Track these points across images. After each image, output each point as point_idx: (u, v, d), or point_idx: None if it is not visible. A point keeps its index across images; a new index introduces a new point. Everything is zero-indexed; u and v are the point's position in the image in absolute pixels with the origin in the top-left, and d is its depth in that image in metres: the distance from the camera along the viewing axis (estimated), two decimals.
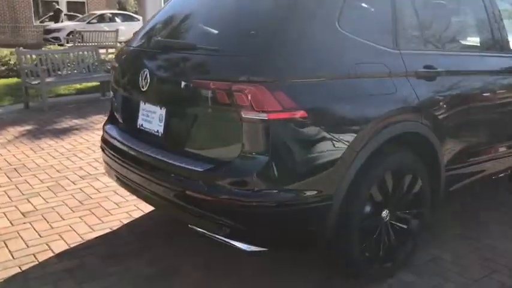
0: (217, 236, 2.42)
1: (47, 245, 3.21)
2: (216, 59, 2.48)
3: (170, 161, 2.55)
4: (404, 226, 2.88)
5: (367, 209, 2.65)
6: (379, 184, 2.66)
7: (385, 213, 2.76)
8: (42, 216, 3.65)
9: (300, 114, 2.30)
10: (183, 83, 2.52)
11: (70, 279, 2.82)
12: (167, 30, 3.00)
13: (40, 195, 4.06)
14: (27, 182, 4.36)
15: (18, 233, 3.38)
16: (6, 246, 3.18)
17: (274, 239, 2.45)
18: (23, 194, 4.09)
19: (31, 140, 5.78)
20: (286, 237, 2.47)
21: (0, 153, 5.25)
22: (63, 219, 3.60)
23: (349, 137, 2.45)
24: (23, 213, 3.70)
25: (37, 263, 3.00)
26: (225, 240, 2.42)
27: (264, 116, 2.25)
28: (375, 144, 2.54)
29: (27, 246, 3.19)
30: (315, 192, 2.40)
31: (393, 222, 2.81)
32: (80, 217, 3.64)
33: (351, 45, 2.55)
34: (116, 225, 3.51)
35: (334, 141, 2.42)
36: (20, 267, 2.94)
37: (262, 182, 2.31)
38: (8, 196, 4.04)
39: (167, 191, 2.57)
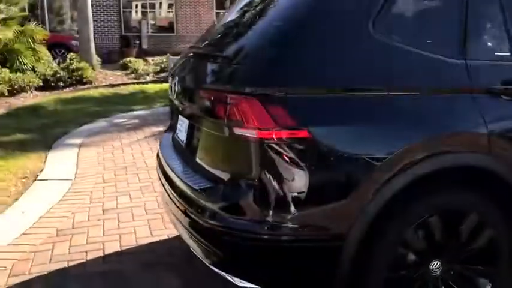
0: (207, 263, 2.17)
1: (102, 244, 3.30)
2: (223, 67, 2.23)
3: (180, 173, 2.39)
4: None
5: (402, 257, 2.11)
6: (420, 227, 2.11)
7: (435, 265, 2.18)
8: (117, 215, 3.78)
9: (301, 134, 1.92)
10: (193, 92, 2.33)
11: (99, 282, 2.83)
12: (206, 38, 2.82)
13: (129, 194, 4.23)
14: (127, 181, 4.60)
15: (88, 229, 3.55)
16: (70, 240, 3.36)
17: (265, 279, 2.09)
18: (116, 192, 4.31)
19: (156, 141, 6.13)
20: (280, 279, 2.09)
21: (123, 151, 5.67)
22: (133, 221, 3.68)
23: (371, 166, 1.97)
24: (103, 210, 3.88)
25: (83, 261, 3.08)
26: (215, 270, 2.15)
27: (252, 134, 1.93)
28: (409, 177, 2.01)
29: (86, 243, 3.32)
30: (317, 229, 1.99)
31: (448, 279, 2.21)
32: (147, 220, 3.68)
33: (387, 53, 2.05)
34: (173, 233, 3.46)
35: (347, 170, 1.97)
36: (67, 263, 3.05)
37: (248, 210, 2.00)
38: (103, 192, 4.29)
39: (176, 205, 2.41)
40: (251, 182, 1.97)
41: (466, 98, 2.10)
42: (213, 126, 2.17)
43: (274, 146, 1.93)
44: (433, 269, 2.18)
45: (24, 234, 3.47)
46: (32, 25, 10.60)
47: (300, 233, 1.99)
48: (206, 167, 2.27)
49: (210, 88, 2.16)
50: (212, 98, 2.11)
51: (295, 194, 1.96)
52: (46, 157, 5.37)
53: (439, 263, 2.19)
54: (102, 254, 3.17)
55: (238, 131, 1.97)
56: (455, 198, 2.13)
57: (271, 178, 1.95)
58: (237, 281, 2.10)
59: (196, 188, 2.19)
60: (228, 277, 2.11)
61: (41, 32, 10.31)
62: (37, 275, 2.92)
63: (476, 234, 2.22)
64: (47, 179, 4.66)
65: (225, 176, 2.09)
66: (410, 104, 2.04)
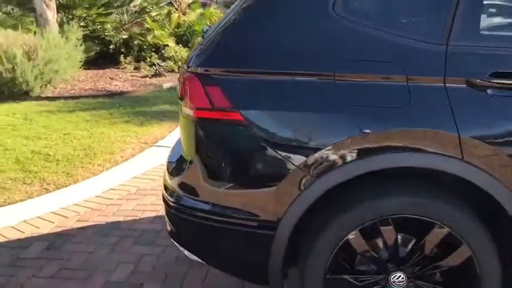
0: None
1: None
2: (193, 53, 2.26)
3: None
4: None
5: (345, 262, 1.95)
6: (365, 233, 1.91)
7: (397, 278, 1.95)
8: None
9: (232, 116, 1.91)
10: None
11: (133, 236, 3.17)
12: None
13: None
14: None
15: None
16: (139, 199, 3.79)
17: (207, 255, 2.14)
18: None
19: None
20: (216, 256, 2.11)
21: None
22: None
23: (304, 156, 1.86)
24: None
25: (136, 218, 3.47)
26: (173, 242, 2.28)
27: (191, 113, 1.99)
28: (350, 173, 1.84)
29: (149, 204, 3.70)
30: (247, 214, 1.96)
31: None
32: None
33: (352, 35, 1.88)
34: None
35: (279, 159, 1.90)
36: (123, 217, 3.48)
37: (184, 188, 2.08)
38: None
39: None
40: (191, 161, 2.05)
41: (438, 90, 1.79)
42: (180, 108, 2.26)
43: (209, 126, 1.96)
44: (394, 281, 1.95)
45: (112, 189, 4.02)
46: (211, 8, 11.64)
47: (230, 215, 1.99)
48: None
49: (181, 71, 2.23)
50: (179, 79, 2.20)
51: (225, 175, 1.97)
52: (175, 128, 5.98)
53: (402, 276, 1.95)
54: (155, 215, 3.51)
55: (185, 110, 2.04)
56: (413, 205, 1.85)
57: (205, 158, 2.00)
58: (187, 253, 2.20)
59: (167, 164, 2.33)
60: (180, 248, 2.22)
61: (217, 15, 11.25)
62: (95, 223, 3.40)
63: (445, 251, 1.91)
64: (162, 146, 5.23)
65: (179, 155, 2.19)
66: (360, 93, 1.84)
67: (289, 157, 1.88)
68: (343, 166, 1.83)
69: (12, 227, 3.36)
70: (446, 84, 1.79)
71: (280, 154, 1.89)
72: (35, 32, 7.78)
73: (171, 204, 2.14)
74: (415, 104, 1.80)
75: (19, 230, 3.32)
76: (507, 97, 1.79)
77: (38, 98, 7.15)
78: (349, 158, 1.83)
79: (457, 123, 1.76)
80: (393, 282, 1.96)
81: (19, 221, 3.44)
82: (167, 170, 2.28)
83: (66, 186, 4.05)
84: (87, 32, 9.31)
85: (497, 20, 1.98)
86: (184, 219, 2.10)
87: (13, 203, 3.70)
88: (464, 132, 1.77)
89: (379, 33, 1.85)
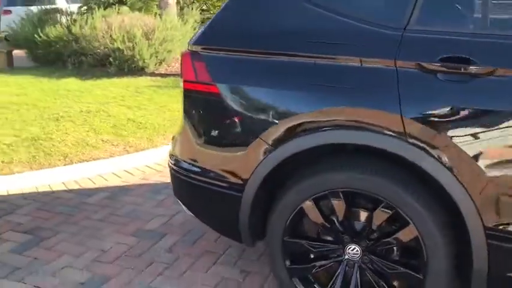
0: None
1: None
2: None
3: None
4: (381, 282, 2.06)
5: (301, 227, 2.13)
6: (319, 203, 2.06)
7: (352, 250, 2.09)
8: None
9: (209, 88, 2.19)
10: None
11: None
12: None
13: None
14: None
15: None
16: None
17: (194, 210, 2.44)
18: None
19: None
20: (201, 211, 2.41)
21: None
22: None
23: (264, 129, 2.07)
24: None
25: None
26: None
27: (181, 85, 2.30)
28: (301, 146, 2.01)
29: None
30: (220, 175, 2.23)
31: (369, 267, 2.07)
32: None
33: (311, 19, 2.03)
34: None
35: (244, 128, 2.13)
36: None
37: (177, 151, 2.41)
38: None
39: None
40: (182, 128, 2.36)
41: (387, 72, 1.87)
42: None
43: (193, 96, 2.26)
44: (349, 253, 2.09)
45: None
46: None
47: (206, 175, 2.27)
48: None
49: None
50: None
51: (202, 139, 2.25)
52: None
53: (357, 249, 2.07)
54: None
55: (180, 83, 2.35)
56: (359, 179, 1.95)
57: (190, 125, 2.30)
58: (184, 208, 2.53)
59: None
60: (181, 205, 2.55)
61: None
62: (153, 182, 3.91)
63: (392, 228, 1.99)
64: None
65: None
66: (318, 72, 1.98)
67: (254, 128, 2.09)
68: (296, 139, 2.00)
69: (88, 178, 4.00)
70: (398, 67, 1.86)
71: (246, 125, 2.12)
72: (155, 14, 8.63)
73: (169, 165, 2.48)
74: (365, 84, 1.89)
75: (92, 181, 3.94)
76: (454, 82, 1.80)
77: (152, 74, 7.99)
78: (302, 132, 1.99)
79: (402, 105, 1.83)
80: (349, 254, 2.09)
81: (95, 174, 4.07)
82: (172, 137, 2.62)
83: (144, 150, 4.62)
84: (208, 15, 10.01)
85: (449, 8, 1.95)
86: (177, 178, 2.43)
87: (96, 159, 4.35)
88: (408, 113, 1.83)
89: (342, 19, 1.96)
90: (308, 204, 2.06)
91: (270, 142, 2.05)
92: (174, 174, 2.44)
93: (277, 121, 2.03)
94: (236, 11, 2.18)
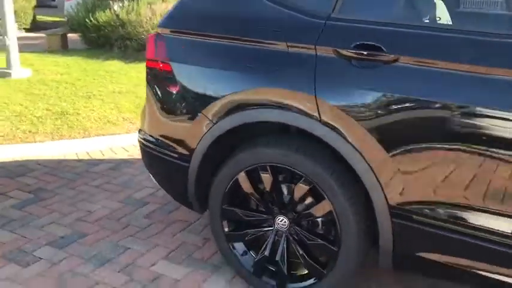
0: None
1: None
2: None
3: None
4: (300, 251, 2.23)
5: (237, 197, 2.33)
6: (251, 176, 2.26)
7: (281, 221, 2.28)
8: None
9: (164, 67, 2.42)
10: None
11: None
12: None
13: None
14: None
15: None
16: None
17: (157, 179, 2.69)
18: None
19: None
20: (160, 180, 2.66)
21: None
22: None
23: (206, 105, 2.29)
24: None
25: None
26: None
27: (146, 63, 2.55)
28: (234, 122, 2.21)
29: None
30: (172, 147, 2.47)
31: (294, 238, 2.25)
32: None
33: (253, 6, 2.21)
34: None
35: (191, 104, 2.36)
36: None
37: (142, 124, 2.66)
38: None
39: None
40: (145, 104, 2.61)
41: (301, 57, 2.03)
42: None
43: (152, 73, 2.51)
44: (279, 223, 2.27)
45: None
46: None
47: (162, 146, 2.51)
48: None
49: None
50: None
51: (159, 113, 2.50)
52: None
53: (285, 220, 2.26)
54: None
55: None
56: (282, 155, 2.12)
57: (149, 101, 2.55)
58: (151, 177, 2.79)
59: None
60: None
61: None
62: None
63: (309, 200, 2.15)
64: None
65: None
66: (251, 55, 2.16)
67: (198, 104, 2.31)
68: (230, 116, 2.20)
69: (100, 150, 4.37)
70: (317, 53, 2.01)
71: (192, 101, 2.34)
72: None
73: (138, 138, 2.75)
74: (289, 67, 2.06)
75: (102, 153, 4.30)
76: (365, 68, 1.93)
77: None
78: (235, 109, 2.19)
79: (316, 88, 1.98)
80: (278, 224, 2.27)
81: (107, 147, 4.43)
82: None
83: None
84: None
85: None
86: (143, 149, 2.69)
87: (112, 134, 4.72)
88: (321, 95, 1.98)
89: (279, 9, 2.13)
90: (242, 176, 2.25)
91: (210, 117, 2.26)
92: (140, 146, 2.70)
93: (215, 98, 2.24)
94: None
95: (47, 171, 3.86)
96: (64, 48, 9.82)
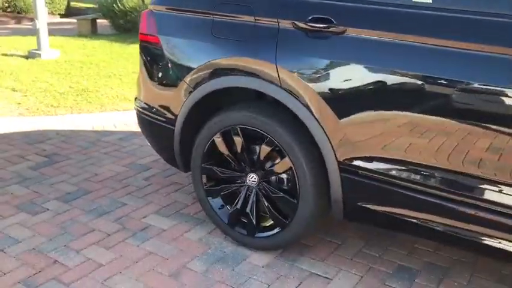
0: None
1: None
2: None
3: None
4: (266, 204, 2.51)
5: (213, 157, 2.62)
6: (225, 137, 2.54)
7: (252, 178, 2.55)
8: None
9: (154, 39, 2.73)
10: None
11: None
12: None
13: None
14: None
15: None
16: None
17: (149, 141, 3.01)
18: None
19: None
20: (152, 143, 2.97)
21: None
22: None
23: (186, 73, 2.58)
24: None
25: None
26: None
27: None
28: (209, 88, 2.50)
29: None
30: (160, 112, 2.77)
31: (263, 192, 2.53)
32: None
33: None
34: None
35: (174, 72, 2.65)
36: None
37: (137, 92, 2.97)
38: None
39: None
40: (139, 74, 2.93)
41: (272, 30, 2.29)
42: None
43: (144, 46, 2.81)
44: (252, 180, 2.55)
45: None
46: None
47: (153, 113, 2.82)
48: None
49: None
50: None
51: (150, 81, 2.80)
52: None
53: (255, 177, 2.54)
54: None
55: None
56: (249, 118, 2.39)
57: (142, 71, 2.86)
58: (147, 142, 3.11)
59: None
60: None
61: None
62: None
63: (274, 158, 2.42)
64: None
65: None
66: (223, 28, 2.44)
67: (181, 72, 2.60)
68: (204, 82, 2.48)
69: (113, 124, 4.73)
70: (280, 26, 2.27)
71: (176, 69, 2.63)
72: None
73: (134, 105, 3.07)
74: (255, 38, 2.33)
75: (115, 126, 4.66)
76: (319, 38, 2.17)
77: None
78: (210, 76, 2.47)
79: (277, 57, 2.24)
80: (249, 180, 2.55)
81: (120, 121, 4.79)
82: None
83: None
84: None
85: None
86: (137, 115, 3.01)
87: (126, 110, 5.08)
88: (281, 63, 2.24)
89: None
90: (217, 138, 2.54)
91: (190, 84, 2.55)
92: (136, 112, 3.02)
93: (194, 67, 2.52)
94: None
95: (63, 139, 4.25)
96: (93, 32, 10.28)
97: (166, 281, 2.35)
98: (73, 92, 5.59)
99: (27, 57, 7.40)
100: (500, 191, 1.90)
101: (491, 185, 1.90)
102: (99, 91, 5.64)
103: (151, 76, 2.79)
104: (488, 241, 1.98)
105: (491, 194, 1.91)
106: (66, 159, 3.81)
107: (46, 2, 12.80)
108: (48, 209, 3.00)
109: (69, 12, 13.85)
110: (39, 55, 7.39)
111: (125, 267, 2.44)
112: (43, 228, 2.77)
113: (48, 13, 13.00)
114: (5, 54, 7.58)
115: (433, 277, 2.42)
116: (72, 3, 14.78)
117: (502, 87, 1.81)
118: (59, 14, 13.80)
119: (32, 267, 2.42)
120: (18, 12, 13.22)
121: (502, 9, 1.83)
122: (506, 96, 1.80)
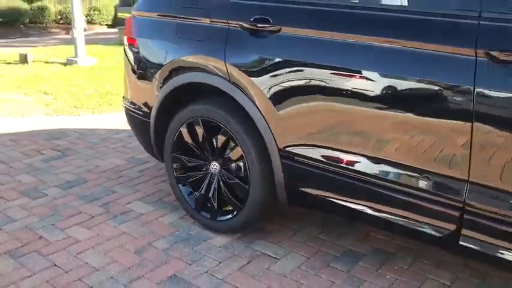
0: None
1: None
2: None
3: None
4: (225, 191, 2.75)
5: (182, 146, 2.89)
6: (189, 128, 2.80)
7: (214, 166, 2.81)
8: None
9: (132, 41, 3.04)
10: None
11: None
12: None
13: None
14: None
15: None
16: None
17: (135, 133, 3.32)
18: None
19: None
20: (136, 135, 3.28)
21: None
22: None
23: (157, 70, 2.87)
24: None
25: None
26: None
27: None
28: (174, 84, 2.77)
29: None
30: (140, 107, 3.08)
31: (223, 179, 2.77)
32: None
33: None
34: None
35: (148, 70, 2.95)
36: None
37: (124, 90, 3.29)
38: None
39: None
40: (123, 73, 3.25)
41: (223, 30, 2.54)
42: None
43: (127, 48, 3.12)
44: (214, 168, 2.80)
45: None
46: None
47: (134, 108, 3.13)
48: None
49: None
50: None
51: (131, 80, 3.12)
52: None
53: (217, 164, 2.79)
54: None
55: None
56: (207, 110, 2.64)
57: (126, 69, 3.17)
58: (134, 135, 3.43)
59: None
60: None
61: None
62: None
63: (230, 147, 2.66)
64: None
65: None
66: (185, 29, 2.71)
67: (153, 70, 2.89)
68: (171, 79, 2.76)
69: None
70: (229, 26, 2.51)
71: (150, 68, 2.92)
72: None
73: (122, 103, 3.39)
74: (209, 38, 2.58)
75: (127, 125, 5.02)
76: (259, 37, 2.40)
77: None
78: (173, 74, 2.74)
79: (226, 54, 2.48)
80: (212, 168, 2.79)
81: None
82: None
83: None
84: None
85: None
86: (125, 111, 3.32)
87: None
88: (229, 60, 2.48)
89: None
90: (184, 128, 2.80)
91: (160, 81, 2.84)
92: (124, 109, 3.34)
93: (162, 65, 2.80)
94: None
95: (78, 136, 4.65)
96: None
97: (130, 256, 2.63)
98: (97, 95, 6.04)
99: (65, 64, 7.99)
100: (413, 177, 2.04)
101: (407, 170, 2.05)
102: (119, 94, 6.03)
103: (132, 75, 3.10)
104: (403, 222, 2.12)
105: (406, 178, 2.06)
106: (76, 153, 4.20)
107: (94, 13, 13.66)
108: (47, 195, 3.37)
109: (116, 22, 14.63)
110: (76, 62, 7.96)
111: (97, 244, 2.74)
112: (38, 210, 3.13)
113: (96, 23, 13.86)
114: (47, 62, 8.22)
115: (376, 261, 2.56)
116: (120, 14, 15.58)
117: (414, 78, 1.96)
118: (106, 25, 14.61)
119: (19, 241, 2.77)
120: (68, 24, 14.11)
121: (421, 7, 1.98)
122: (415, 85, 1.96)
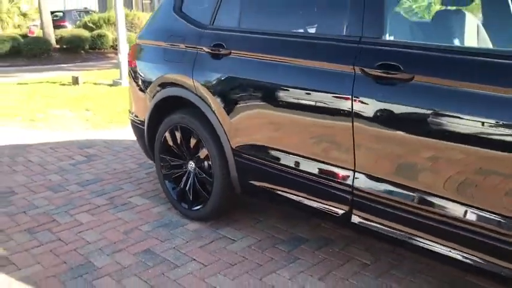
0: None
1: None
2: None
3: None
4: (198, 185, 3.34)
5: (167, 147, 3.53)
6: (171, 133, 3.43)
7: (190, 164, 3.43)
8: None
9: (133, 64, 3.74)
10: None
11: None
12: None
13: None
14: None
15: None
16: None
17: (136, 139, 3.99)
18: None
19: None
20: (137, 140, 3.94)
21: None
22: None
23: (149, 86, 3.54)
24: None
25: None
26: None
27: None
28: (160, 96, 3.43)
29: None
30: (139, 117, 3.75)
31: (197, 175, 3.38)
32: None
33: (173, 22, 3.42)
34: None
35: (143, 86, 3.63)
36: None
37: (129, 105, 3.99)
38: None
39: None
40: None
41: (190, 53, 3.18)
42: None
43: (131, 69, 3.83)
44: (191, 166, 3.42)
45: None
46: None
47: (135, 118, 3.81)
48: None
49: None
50: None
51: (133, 96, 3.81)
52: None
53: (193, 164, 3.41)
54: None
55: None
56: (181, 118, 3.27)
57: (130, 87, 3.87)
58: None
59: None
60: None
61: None
62: None
63: (199, 148, 3.27)
64: None
65: None
66: (168, 53, 3.37)
67: (146, 86, 3.56)
68: (157, 92, 3.41)
69: None
70: (198, 51, 3.14)
71: (143, 84, 3.60)
72: None
73: (128, 117, 4.09)
74: (183, 60, 3.22)
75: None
76: (216, 59, 3.00)
77: None
78: (159, 88, 3.40)
79: (194, 72, 3.11)
80: (189, 167, 3.41)
81: None
82: None
83: None
84: None
85: (229, 12, 3.08)
86: (131, 124, 4.01)
87: None
88: (196, 77, 3.10)
89: (183, 22, 3.31)
90: (167, 134, 3.44)
91: (150, 94, 3.50)
92: (130, 121, 4.03)
93: (152, 82, 3.47)
94: (148, 21, 3.69)
95: (106, 145, 5.41)
96: None
97: (119, 235, 3.26)
98: (126, 111, 6.83)
99: (111, 85, 8.94)
100: (318, 168, 2.56)
101: (314, 162, 2.57)
102: None
103: (133, 91, 3.79)
104: (316, 205, 2.63)
105: (313, 168, 2.58)
106: (100, 158, 4.94)
107: None
108: (67, 190, 4.09)
109: None
110: (121, 83, 8.89)
111: (96, 226, 3.40)
112: (57, 201, 3.85)
113: None
114: (95, 83, 9.22)
115: (316, 245, 3.05)
116: None
117: (311, 88, 2.51)
118: None
119: (37, 222, 3.48)
120: None
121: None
122: (314, 94, 2.50)
